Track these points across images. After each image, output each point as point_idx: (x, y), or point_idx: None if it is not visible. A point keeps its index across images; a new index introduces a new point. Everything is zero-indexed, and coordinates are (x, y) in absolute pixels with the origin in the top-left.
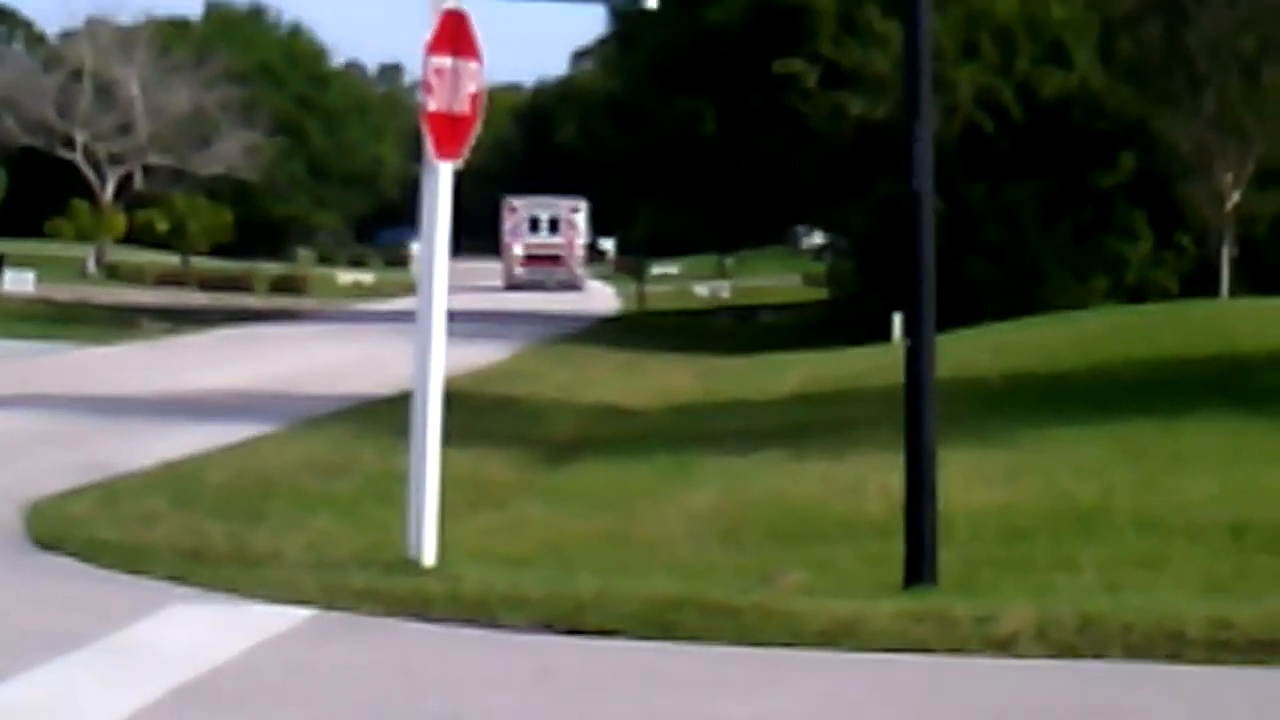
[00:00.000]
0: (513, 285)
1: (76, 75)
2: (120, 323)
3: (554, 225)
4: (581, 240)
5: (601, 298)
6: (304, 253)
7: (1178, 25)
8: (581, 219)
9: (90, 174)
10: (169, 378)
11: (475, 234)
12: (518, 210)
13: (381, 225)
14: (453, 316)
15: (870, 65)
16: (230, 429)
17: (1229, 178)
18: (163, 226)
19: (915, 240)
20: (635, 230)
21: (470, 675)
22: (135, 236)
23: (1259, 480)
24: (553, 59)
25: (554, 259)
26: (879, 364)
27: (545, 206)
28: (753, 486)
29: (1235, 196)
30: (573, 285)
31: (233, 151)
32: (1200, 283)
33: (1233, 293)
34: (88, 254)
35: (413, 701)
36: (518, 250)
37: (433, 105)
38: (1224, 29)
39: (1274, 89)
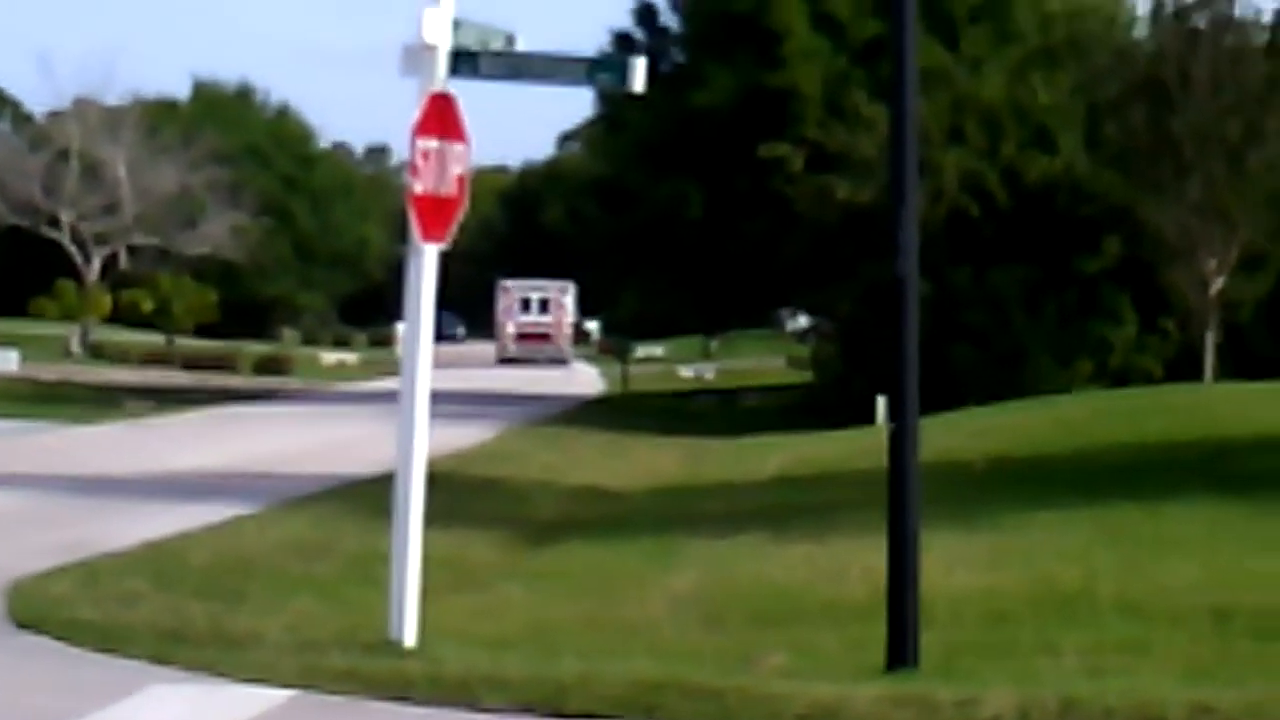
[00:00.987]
0: (505, 359)
1: (63, 155)
2: (104, 402)
3: (544, 305)
4: (569, 319)
5: (586, 379)
6: (289, 333)
7: (1163, 112)
8: (569, 300)
9: (76, 253)
10: (152, 458)
11: (461, 314)
12: (510, 291)
13: (367, 306)
14: (437, 397)
15: (856, 149)
16: (212, 509)
17: (1213, 263)
18: (148, 306)
19: (900, 324)
20: (620, 311)
21: None
22: (120, 316)
23: (1242, 565)
24: (539, 141)
25: (544, 336)
26: (863, 447)
27: (536, 288)
28: (735, 569)
29: (1219, 282)
30: (561, 360)
31: (218, 232)
32: (1184, 367)
33: (1217, 377)
34: (72, 333)
35: None
36: (511, 328)
37: (419, 187)
38: (1209, 115)
39: (1258, 175)
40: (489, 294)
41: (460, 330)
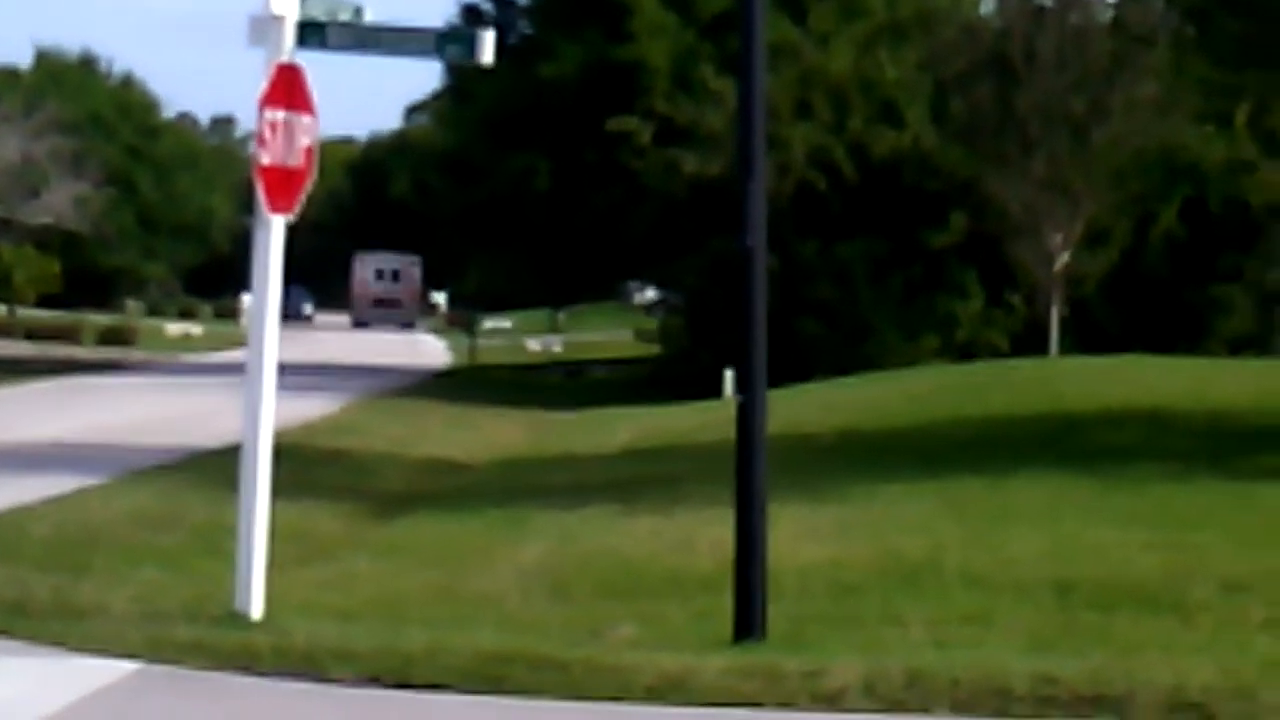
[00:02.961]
0: (360, 323)
1: None
2: None
3: (395, 275)
4: (416, 288)
5: (433, 351)
6: (133, 304)
7: (1009, 87)
8: (417, 272)
9: None
10: None
11: (308, 283)
12: (366, 263)
13: (212, 278)
14: (284, 369)
15: (704, 123)
16: (55, 481)
17: (1058, 238)
18: None
19: (748, 297)
20: (467, 284)
21: None
22: None
23: (1084, 538)
24: (386, 113)
25: (395, 303)
26: (710, 420)
27: (388, 261)
28: (583, 541)
29: (1064, 257)
30: (409, 324)
31: (61, 202)
32: (1030, 341)
33: (1062, 351)
34: None
35: None
36: (366, 295)
37: (266, 159)
38: (1054, 92)
39: (1102, 151)
40: (338, 266)
41: (309, 308)
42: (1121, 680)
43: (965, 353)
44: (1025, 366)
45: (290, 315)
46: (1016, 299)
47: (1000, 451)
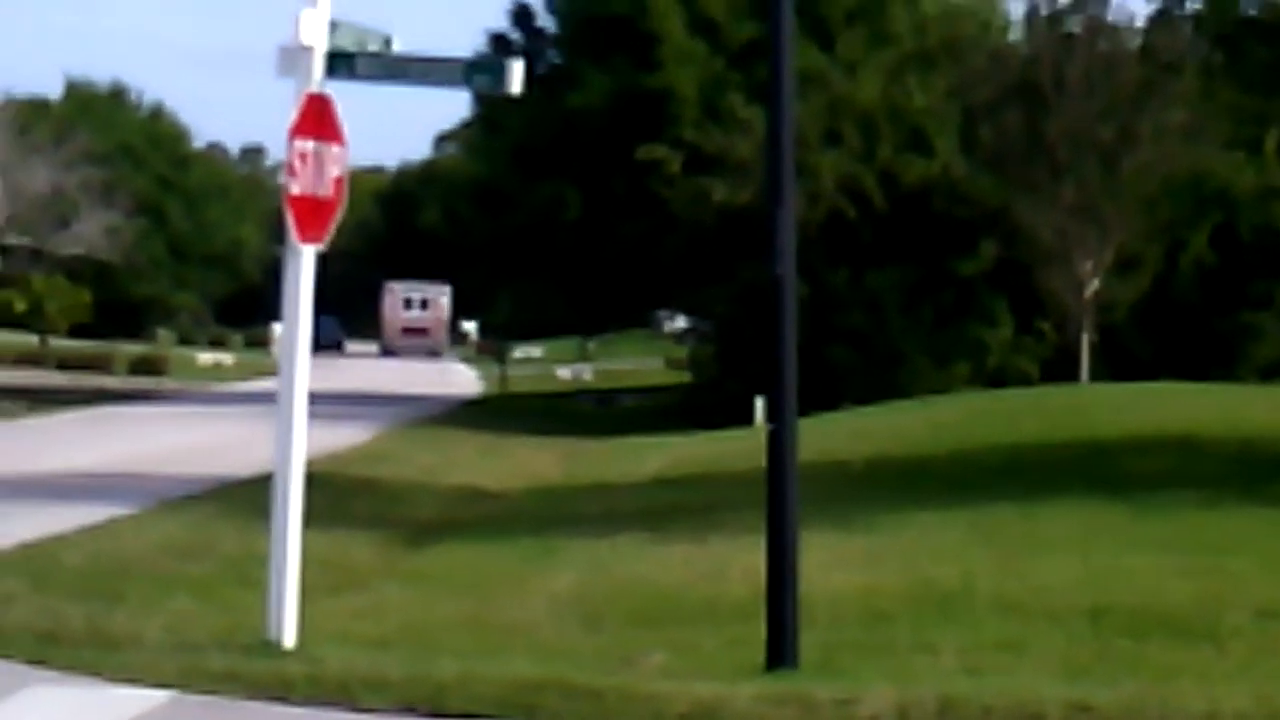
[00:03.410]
0: (388, 351)
1: None
2: None
3: (424, 304)
4: (445, 317)
5: (464, 380)
6: (164, 333)
7: (1038, 114)
8: (446, 300)
9: None
10: (26, 458)
11: (338, 313)
12: (395, 292)
13: (243, 307)
14: (315, 398)
15: (733, 151)
16: (89, 510)
17: (1088, 265)
18: (20, 307)
19: (778, 325)
20: (498, 313)
21: None
22: None
23: (1117, 564)
24: (416, 142)
25: (423, 331)
26: (741, 448)
27: (417, 289)
28: (615, 569)
29: (1094, 284)
30: (437, 352)
31: (92, 232)
32: (1060, 368)
33: (1092, 378)
34: None
35: None
36: (395, 324)
37: (296, 189)
38: (1083, 119)
39: (1132, 178)
40: (368, 295)
41: (342, 339)
42: (1155, 708)
43: (996, 380)
44: (1056, 393)
45: (323, 345)
46: (1047, 326)
47: (1032, 479)
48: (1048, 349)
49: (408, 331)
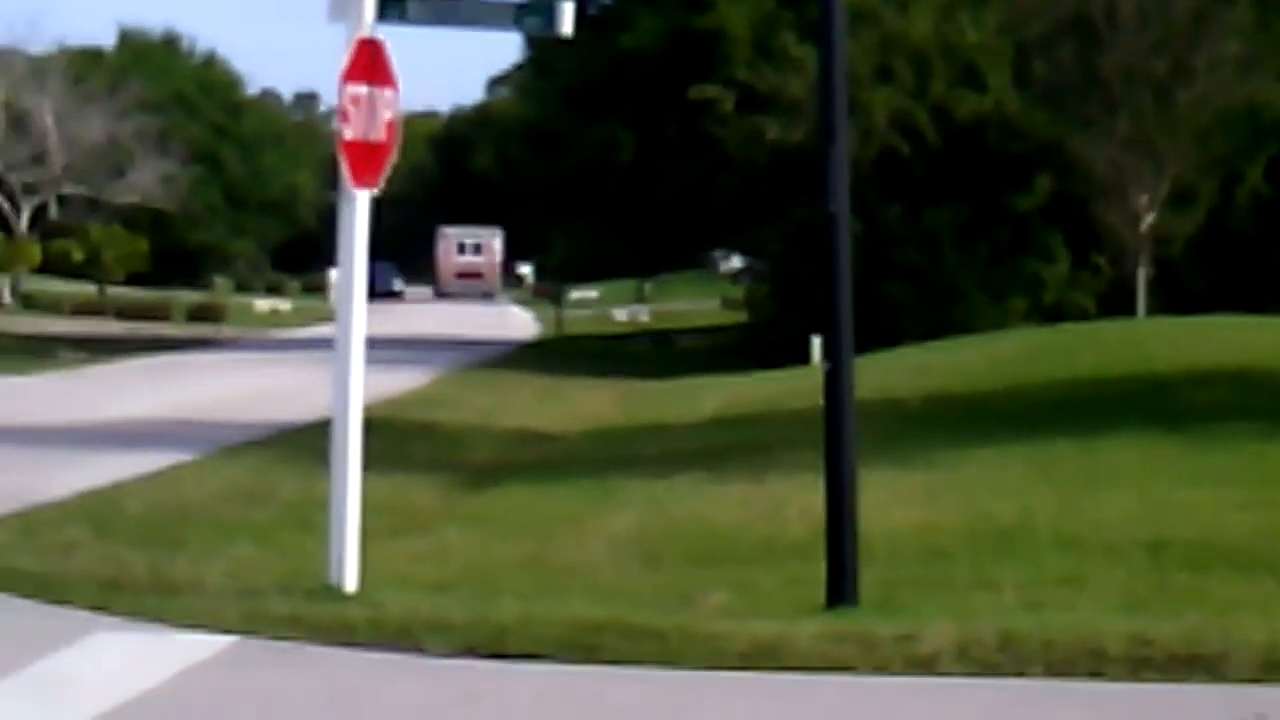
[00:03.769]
0: (443, 294)
1: None
2: (37, 353)
3: (477, 248)
4: (498, 260)
5: (520, 323)
6: (221, 281)
7: (1091, 48)
8: (498, 244)
9: (4, 204)
10: (86, 407)
11: (394, 258)
12: (449, 236)
13: (299, 253)
14: (372, 343)
15: (786, 90)
16: (149, 458)
17: (1144, 199)
18: (78, 256)
19: (832, 263)
20: (553, 255)
21: (394, 701)
22: (50, 266)
23: (1176, 498)
24: (468, 86)
25: (477, 274)
26: (798, 387)
27: (470, 234)
28: (673, 509)
29: (1150, 218)
30: (490, 295)
31: (148, 181)
32: (1117, 303)
33: (1149, 312)
34: (3, 284)
35: None
36: (450, 268)
37: (349, 133)
38: (1137, 52)
39: (1187, 111)
40: (423, 240)
41: (399, 283)
42: (1216, 640)
43: (1052, 315)
44: (1113, 328)
45: (380, 291)
46: (1103, 260)
47: (1089, 413)
48: (1104, 283)
49: (461, 275)
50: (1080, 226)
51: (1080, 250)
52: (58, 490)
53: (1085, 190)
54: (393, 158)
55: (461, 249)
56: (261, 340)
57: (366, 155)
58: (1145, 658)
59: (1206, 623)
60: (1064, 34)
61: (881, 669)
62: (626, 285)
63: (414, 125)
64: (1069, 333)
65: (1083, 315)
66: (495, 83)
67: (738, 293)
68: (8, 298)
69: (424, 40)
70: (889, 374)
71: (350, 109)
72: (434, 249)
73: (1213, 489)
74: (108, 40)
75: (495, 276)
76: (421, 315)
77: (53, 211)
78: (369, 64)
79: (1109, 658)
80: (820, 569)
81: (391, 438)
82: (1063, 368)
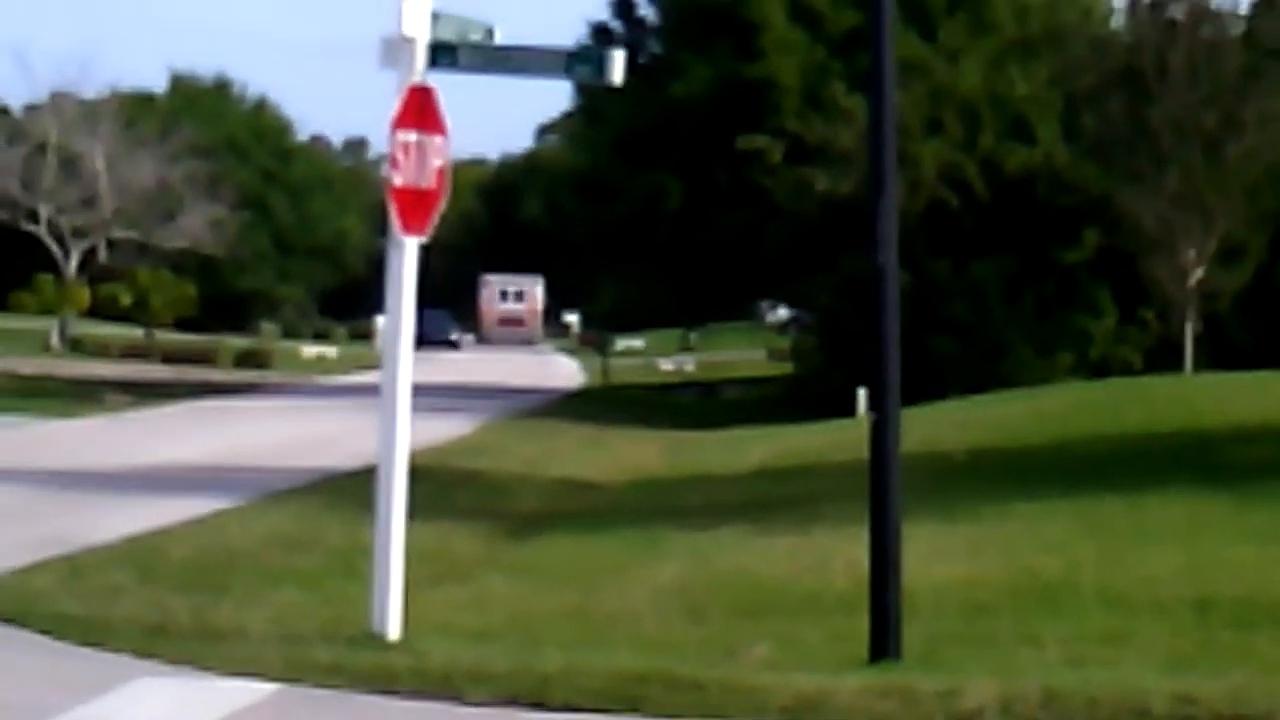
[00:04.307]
0: (484, 340)
1: (41, 149)
2: (84, 396)
3: (519, 296)
4: (539, 307)
5: (566, 371)
6: (268, 326)
7: (1140, 102)
8: (539, 291)
9: (54, 247)
10: (132, 451)
11: (440, 306)
12: (491, 284)
13: (346, 299)
14: (417, 390)
15: (835, 141)
16: (194, 503)
17: (1192, 254)
18: (126, 300)
19: (880, 315)
20: (600, 304)
21: None
22: (99, 310)
23: (1223, 555)
24: (517, 133)
25: (519, 321)
26: (843, 439)
27: (511, 282)
28: (718, 561)
29: (1198, 272)
30: (531, 341)
31: (197, 225)
32: (1164, 358)
33: (1196, 368)
34: (51, 327)
35: None
36: (492, 315)
37: (399, 180)
38: (1186, 106)
39: (1236, 166)
40: (469, 287)
41: (455, 332)
42: (1262, 699)
43: (1099, 370)
44: (1160, 384)
45: (435, 340)
46: (1150, 315)
47: (1136, 469)
48: (1151, 339)
49: (503, 322)
50: (1128, 281)
51: (1128, 305)
52: (103, 534)
53: (1133, 245)
54: (442, 205)
55: (504, 296)
56: (308, 386)
57: (416, 202)
58: (1190, 716)
59: (1252, 681)
60: (1114, 87)
61: None
62: (672, 335)
63: (463, 172)
64: (1115, 388)
65: (1129, 370)
66: (544, 131)
67: (784, 344)
68: (56, 341)
69: (473, 87)
70: (934, 427)
71: (400, 156)
72: (476, 296)
73: (1259, 546)
74: (159, 85)
75: (536, 323)
76: (466, 363)
77: (102, 255)
78: (419, 111)
79: (1153, 716)
80: (864, 623)
81: (436, 485)
82: (1109, 423)
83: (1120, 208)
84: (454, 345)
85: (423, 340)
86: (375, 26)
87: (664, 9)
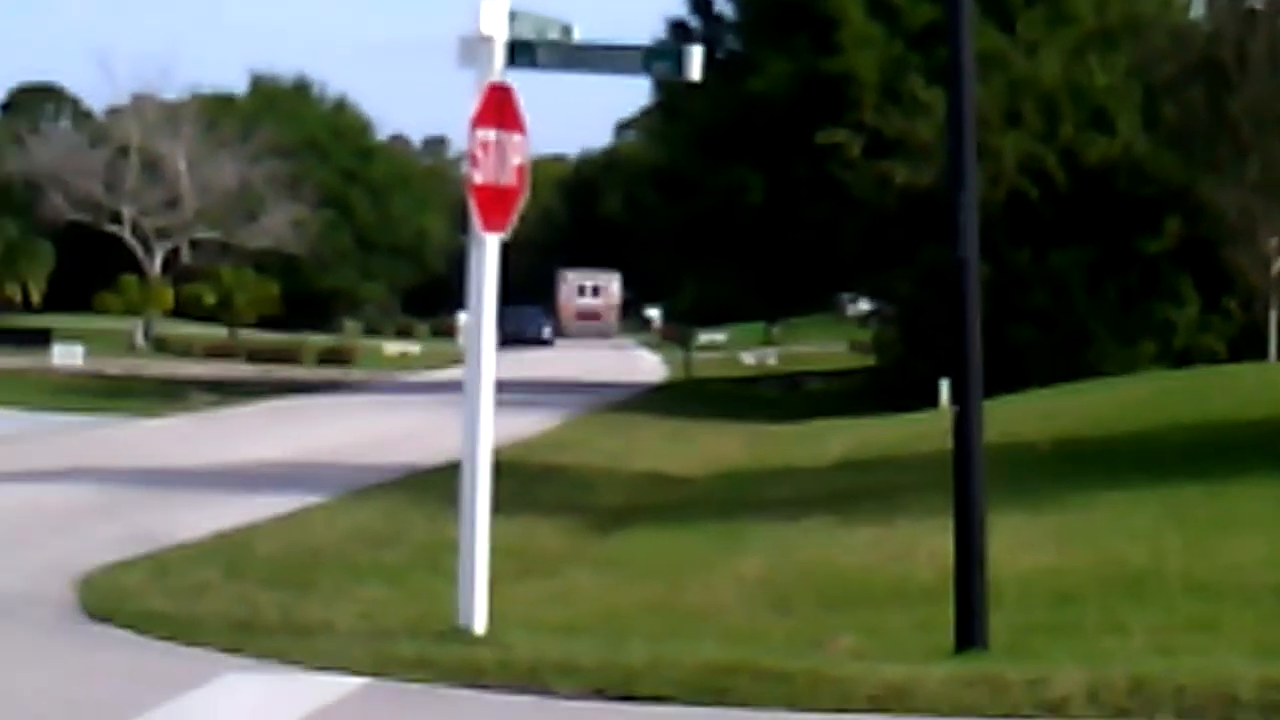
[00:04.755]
0: (563, 334)
1: (123, 151)
2: (169, 395)
3: (596, 291)
4: (616, 302)
5: (648, 366)
6: (350, 324)
7: (1220, 91)
8: (616, 286)
9: (138, 248)
10: (218, 449)
11: (522, 302)
12: (569, 280)
13: (428, 296)
14: (501, 386)
15: (914, 134)
16: (279, 500)
17: (1274, 242)
18: (210, 300)
19: (962, 307)
20: (681, 299)
21: None
22: (183, 310)
23: None
24: (597, 130)
25: (596, 315)
26: (926, 430)
27: (589, 277)
28: (802, 553)
29: None
30: (607, 335)
31: (279, 225)
32: (1247, 346)
33: None
34: (136, 328)
35: None
36: (570, 310)
37: (479, 178)
38: (1267, 95)
39: None
40: (550, 283)
41: (548, 330)
42: None
43: (1183, 359)
44: (1244, 371)
45: (528, 338)
46: (1233, 304)
47: (1220, 457)
48: (1234, 327)
49: (581, 317)
50: (1210, 270)
51: (1210, 294)
52: (190, 532)
53: (1215, 233)
54: (522, 202)
55: (581, 291)
56: (391, 383)
57: (496, 199)
58: (1277, 703)
59: None
60: (1193, 77)
61: (1011, 714)
62: (754, 328)
63: (542, 169)
64: (1199, 376)
65: (1213, 359)
66: (623, 127)
67: (865, 336)
68: (141, 341)
69: (552, 85)
70: (1017, 418)
71: (480, 154)
72: (554, 291)
73: None
74: (239, 86)
75: (613, 318)
76: (550, 359)
77: (185, 256)
78: (498, 109)
79: (1241, 703)
80: (949, 613)
81: (520, 480)
82: (1194, 412)
83: (1201, 197)
84: (547, 342)
85: (516, 338)
86: (453, 26)
87: (742, 4)
